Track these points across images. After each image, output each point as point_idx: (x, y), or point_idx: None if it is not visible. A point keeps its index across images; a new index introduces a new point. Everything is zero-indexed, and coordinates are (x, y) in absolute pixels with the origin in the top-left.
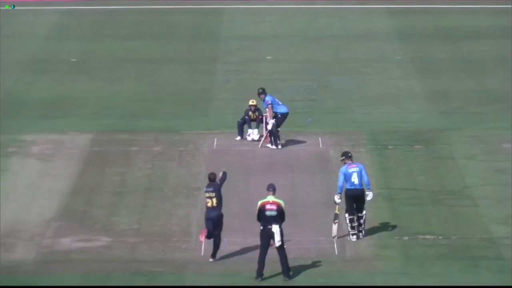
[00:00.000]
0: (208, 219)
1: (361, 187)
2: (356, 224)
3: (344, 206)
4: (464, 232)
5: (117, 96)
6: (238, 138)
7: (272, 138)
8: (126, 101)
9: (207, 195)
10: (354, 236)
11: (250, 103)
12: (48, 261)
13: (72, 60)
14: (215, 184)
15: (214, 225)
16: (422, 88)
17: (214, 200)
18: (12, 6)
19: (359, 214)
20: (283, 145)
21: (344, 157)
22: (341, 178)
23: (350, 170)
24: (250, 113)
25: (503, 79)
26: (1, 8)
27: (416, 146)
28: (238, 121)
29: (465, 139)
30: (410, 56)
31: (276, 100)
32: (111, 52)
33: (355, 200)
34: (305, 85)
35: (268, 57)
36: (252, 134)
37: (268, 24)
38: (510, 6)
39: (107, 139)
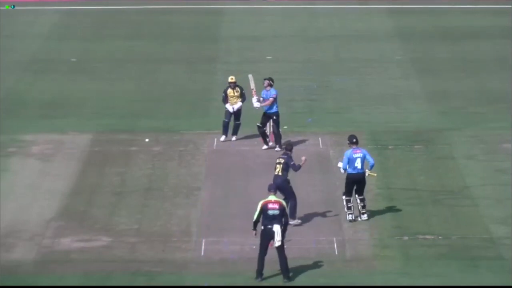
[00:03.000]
0: (272, 184)
1: (362, 171)
2: (352, 204)
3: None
4: (464, 232)
5: (117, 96)
6: (223, 138)
7: (262, 137)
8: (126, 101)
9: (277, 161)
10: (351, 215)
11: (230, 80)
12: (48, 261)
13: (72, 60)
14: (288, 154)
15: (280, 191)
16: (422, 88)
17: (280, 167)
18: (12, 6)
19: (360, 197)
20: (281, 146)
21: (349, 142)
22: (345, 161)
23: (354, 156)
24: (230, 90)
25: (503, 79)
26: (1, 8)
27: (416, 146)
28: (224, 121)
29: (465, 139)
30: (410, 56)
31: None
32: (111, 52)
33: (356, 183)
34: (305, 85)
35: (268, 57)
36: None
37: (268, 24)
38: (510, 6)
39: (107, 139)
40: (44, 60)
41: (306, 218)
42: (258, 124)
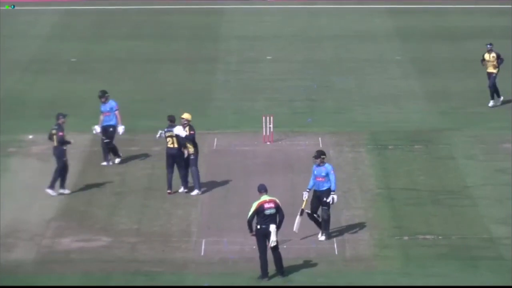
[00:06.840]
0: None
1: (324, 189)
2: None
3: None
4: (464, 232)
5: (117, 96)
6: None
7: (112, 152)
8: (126, 101)
9: (168, 134)
10: (323, 236)
11: (185, 116)
12: (48, 261)
13: (72, 60)
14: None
15: (175, 160)
16: (422, 88)
17: (174, 140)
18: (12, 6)
19: (323, 214)
20: (279, 145)
21: (313, 157)
22: (312, 176)
23: (315, 172)
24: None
25: (503, 79)
26: (1, 8)
27: (416, 146)
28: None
29: (465, 139)
30: (410, 56)
31: None
32: (111, 52)
33: (319, 199)
34: (305, 85)
35: (268, 57)
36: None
37: (268, 24)
38: (510, 6)
39: None
40: (44, 60)
41: (306, 218)
42: (105, 140)
